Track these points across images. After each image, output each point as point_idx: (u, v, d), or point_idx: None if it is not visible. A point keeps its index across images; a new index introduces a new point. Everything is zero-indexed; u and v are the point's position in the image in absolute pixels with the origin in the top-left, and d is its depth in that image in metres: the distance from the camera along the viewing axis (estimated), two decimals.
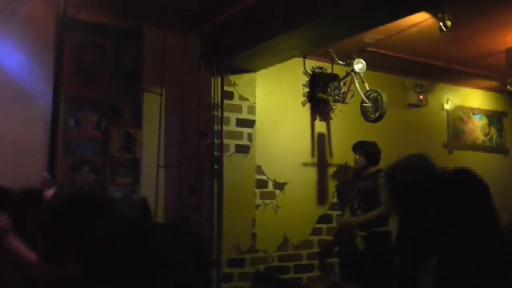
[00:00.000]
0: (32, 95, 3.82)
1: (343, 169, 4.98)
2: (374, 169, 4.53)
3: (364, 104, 4.54)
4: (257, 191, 4.47)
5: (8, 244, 2.14)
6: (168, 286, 2.69)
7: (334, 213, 4.92)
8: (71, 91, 3.93)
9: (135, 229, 2.30)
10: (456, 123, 6.08)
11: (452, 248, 1.72)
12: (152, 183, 4.18)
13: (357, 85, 4.51)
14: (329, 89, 4.76)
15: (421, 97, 5.55)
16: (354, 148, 4.64)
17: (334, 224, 4.90)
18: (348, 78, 4.63)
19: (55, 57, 3.79)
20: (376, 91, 4.47)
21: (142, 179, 4.20)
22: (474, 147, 6.18)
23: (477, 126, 6.29)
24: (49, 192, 2.26)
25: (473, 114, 6.27)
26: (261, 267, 4.36)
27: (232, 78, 4.25)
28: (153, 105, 4.26)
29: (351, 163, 4.81)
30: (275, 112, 4.67)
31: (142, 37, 4.27)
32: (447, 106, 5.98)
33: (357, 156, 4.60)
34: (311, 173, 4.87)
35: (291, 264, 4.65)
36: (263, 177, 4.56)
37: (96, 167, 4.00)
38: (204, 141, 4.25)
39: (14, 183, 2.45)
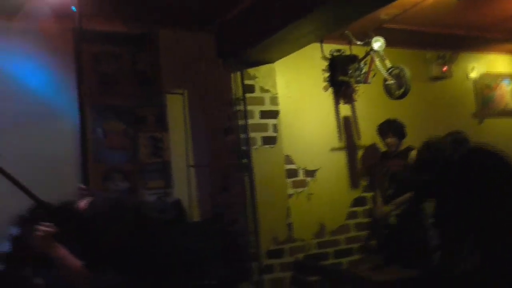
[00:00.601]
0: (59, 110, 3.89)
1: (371, 150, 4.93)
2: (404, 147, 4.47)
3: (387, 82, 4.48)
4: (288, 180, 4.47)
5: (54, 251, 2.19)
6: (211, 283, 2.72)
7: (368, 195, 4.88)
8: (95, 102, 3.99)
9: (168, 232, 2.33)
10: (484, 91, 5.93)
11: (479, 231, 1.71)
12: (184, 184, 4.23)
13: (377, 63, 4.46)
14: (350, 71, 4.72)
15: (444, 68, 5.44)
16: (383, 130, 4.56)
17: (369, 206, 4.85)
18: (368, 58, 4.58)
19: (76, 70, 3.85)
20: (398, 67, 4.41)
21: (174, 181, 4.24)
22: (506, 113, 6.02)
23: (507, 91, 6.11)
24: (83, 202, 2.30)
25: (501, 79, 6.09)
26: (300, 256, 4.36)
27: (251, 71, 4.26)
28: (176, 107, 4.30)
29: (379, 144, 4.76)
30: (298, 100, 4.65)
31: (157, 41, 4.30)
32: (473, 75, 5.84)
33: (389, 139, 4.52)
34: (341, 157, 4.84)
35: (330, 250, 4.64)
36: (293, 166, 4.55)
37: (127, 174, 4.06)
38: (230, 137, 4.27)
39: (50, 196, 2.51)
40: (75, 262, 2.16)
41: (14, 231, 3.62)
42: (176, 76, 4.27)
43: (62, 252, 2.19)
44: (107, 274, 2.09)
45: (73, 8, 3.37)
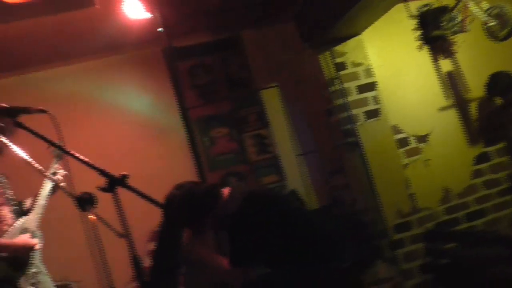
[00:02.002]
0: (166, 129, 4.14)
1: (485, 101, 4.58)
2: None
3: (488, 25, 4.13)
4: (401, 150, 4.30)
5: (196, 252, 2.30)
6: (346, 266, 2.70)
7: (491, 149, 4.54)
8: (197, 114, 4.17)
9: (306, 221, 2.34)
10: None
11: None
12: (296, 174, 4.26)
13: (472, 8, 4.13)
14: (443, 24, 4.42)
15: None
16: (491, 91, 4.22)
17: (495, 160, 4.51)
18: (461, 4, 4.25)
19: (174, 88, 4.06)
20: (497, 6, 4.05)
21: (286, 173, 4.29)
22: None
23: None
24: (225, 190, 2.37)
25: None
26: (429, 226, 4.18)
27: (339, 48, 4.17)
28: (272, 101, 4.35)
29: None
30: (394, 66, 4.46)
31: (242, 42, 4.37)
32: None
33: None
34: (452, 116, 4.55)
35: (460, 214, 4.38)
36: (402, 135, 4.37)
37: (241, 175, 4.18)
38: (332, 118, 4.22)
39: None
40: (219, 262, 2.24)
41: (151, 246, 3.91)
42: (266, 71, 4.32)
43: (203, 253, 2.29)
44: (257, 268, 2.15)
45: (160, 29, 3.54)
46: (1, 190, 2.72)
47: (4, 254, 2.53)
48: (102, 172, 1.78)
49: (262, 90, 4.35)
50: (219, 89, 4.29)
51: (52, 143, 1.87)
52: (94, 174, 1.83)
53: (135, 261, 1.79)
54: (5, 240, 2.56)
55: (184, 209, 2.27)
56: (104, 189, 1.77)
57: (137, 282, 1.82)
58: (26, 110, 1.86)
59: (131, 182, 1.83)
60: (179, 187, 2.34)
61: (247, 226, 2.17)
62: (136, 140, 4.15)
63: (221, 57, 4.32)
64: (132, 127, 4.14)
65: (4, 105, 1.86)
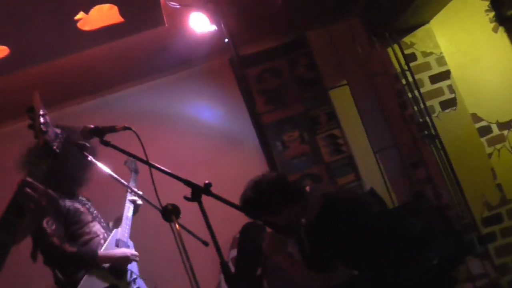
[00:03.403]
0: (239, 136, 4.21)
1: None
2: None
3: None
4: (483, 139, 4.09)
5: (276, 257, 2.30)
6: (437, 264, 2.61)
7: None
8: (268, 120, 4.19)
9: (390, 220, 2.29)
10: None
11: None
12: (373, 172, 4.16)
13: None
14: None
15: None
16: None
17: None
18: None
19: (244, 95, 4.11)
20: None
21: (362, 171, 4.21)
22: None
23: None
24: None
25: None
26: None
27: (408, 39, 4.06)
28: (342, 99, 4.29)
29: None
30: (468, 52, 4.25)
31: (308, 42, 4.35)
32: None
33: None
34: None
35: None
36: (483, 123, 4.14)
37: (317, 177, 4.15)
38: (406, 112, 4.09)
39: None
40: (302, 266, 2.24)
41: (233, 253, 3.97)
42: (335, 69, 4.28)
43: (281, 259, 2.30)
44: (336, 272, 2.12)
45: (226, 40, 3.60)
46: (89, 210, 2.89)
47: (107, 265, 2.69)
48: (187, 182, 1.83)
49: (331, 90, 4.30)
50: (288, 92, 4.29)
51: (139, 159, 1.96)
52: (175, 185, 1.89)
53: (224, 267, 1.82)
54: (106, 251, 2.74)
55: (267, 196, 2.28)
56: (189, 199, 1.82)
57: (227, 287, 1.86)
58: (112, 129, 1.96)
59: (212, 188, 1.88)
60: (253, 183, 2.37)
61: (329, 229, 2.14)
62: (210, 150, 4.24)
63: (288, 60, 4.32)
64: (206, 137, 4.24)
65: (91, 126, 1.97)
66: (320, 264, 2.19)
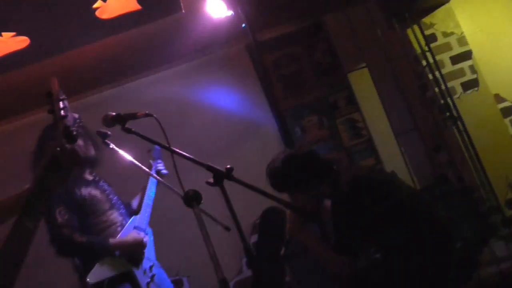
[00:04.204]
0: (258, 123, 4.20)
1: None
2: None
3: None
4: (506, 120, 4.01)
5: (301, 240, 2.28)
6: (461, 246, 2.58)
7: None
8: (287, 105, 4.17)
9: (415, 203, 2.25)
10: None
11: None
12: (393, 155, 4.12)
13: None
14: None
15: None
16: None
17: None
18: None
19: (262, 82, 4.10)
20: None
21: (382, 155, 4.17)
22: None
23: None
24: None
25: None
26: None
27: (427, 19, 3.98)
28: (361, 83, 4.25)
29: None
30: (491, 31, 4.15)
31: (326, 27, 4.31)
32: None
33: None
34: None
35: None
36: (506, 104, 4.06)
37: (337, 161, 4.11)
38: (427, 94, 4.03)
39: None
40: (327, 249, 2.22)
41: (254, 238, 4.00)
42: (353, 53, 4.23)
43: (309, 241, 2.28)
44: (361, 256, 2.11)
45: (243, 25, 3.58)
46: (108, 197, 2.89)
47: (118, 253, 2.70)
48: (209, 167, 1.83)
49: (350, 73, 4.26)
50: (307, 77, 4.26)
51: (160, 145, 1.97)
52: (197, 171, 1.89)
53: (248, 251, 1.83)
54: (118, 239, 2.73)
55: (297, 169, 2.23)
56: (211, 183, 1.82)
57: (251, 271, 1.87)
58: (133, 116, 1.96)
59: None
60: (283, 155, 2.33)
61: (357, 210, 2.12)
62: (229, 137, 4.25)
63: (306, 45, 4.28)
64: (225, 124, 4.24)
65: (113, 113, 1.98)
66: (344, 247, 2.17)
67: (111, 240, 2.70)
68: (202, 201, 1.99)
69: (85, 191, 2.76)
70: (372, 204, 2.08)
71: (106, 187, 2.93)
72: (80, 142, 2.63)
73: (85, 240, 2.64)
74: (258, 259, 3.30)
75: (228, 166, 1.83)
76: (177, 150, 1.89)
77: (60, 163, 1.40)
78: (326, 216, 2.29)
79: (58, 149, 1.39)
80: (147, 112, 1.97)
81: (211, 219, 2.35)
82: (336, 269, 2.24)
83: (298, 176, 2.23)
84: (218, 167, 1.84)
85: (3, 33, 2.73)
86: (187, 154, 1.90)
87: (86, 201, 2.74)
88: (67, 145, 1.41)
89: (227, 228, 2.42)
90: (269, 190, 2.18)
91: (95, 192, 2.81)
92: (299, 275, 3.72)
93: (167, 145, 1.93)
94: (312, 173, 2.24)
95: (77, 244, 2.62)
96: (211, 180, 1.82)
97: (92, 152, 2.81)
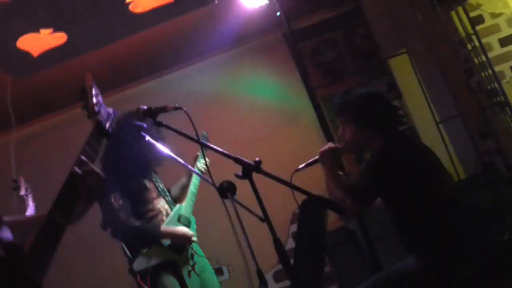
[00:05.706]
0: (296, 110, 4.15)
1: None
2: None
3: None
4: None
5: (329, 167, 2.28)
6: (503, 239, 2.46)
7: None
8: (325, 93, 4.09)
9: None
10: None
11: None
12: (435, 143, 3.95)
13: None
14: None
15: None
16: None
17: None
18: None
19: (300, 70, 4.02)
20: None
21: (425, 143, 4.02)
22: None
23: None
24: None
25: None
26: None
27: (474, 0, 3.77)
28: (402, 69, 4.10)
29: None
30: None
31: (363, 12, 4.18)
32: None
33: None
34: None
35: None
36: None
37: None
38: (473, 79, 3.85)
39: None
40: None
41: (294, 228, 3.96)
42: (392, 38, 4.08)
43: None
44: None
45: (278, 14, 3.52)
46: (154, 185, 2.95)
47: (167, 241, 2.78)
48: (237, 160, 1.83)
49: (390, 59, 4.12)
50: (345, 64, 4.16)
51: (189, 137, 1.97)
52: (233, 162, 1.88)
53: (277, 244, 1.81)
54: (169, 228, 2.81)
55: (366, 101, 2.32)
56: (240, 176, 1.82)
57: (281, 264, 1.84)
58: (163, 109, 1.98)
59: (268, 167, 1.86)
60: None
61: (395, 170, 2.14)
62: (268, 126, 4.22)
63: (343, 31, 4.18)
64: (263, 114, 4.22)
65: (145, 107, 2.00)
66: (364, 195, 2.16)
67: (162, 228, 2.79)
68: (236, 193, 2.00)
69: (136, 182, 2.86)
70: (414, 175, 2.05)
71: (154, 175, 3.00)
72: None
73: (139, 225, 2.74)
74: (296, 249, 3.28)
75: (257, 159, 1.82)
76: (205, 143, 1.95)
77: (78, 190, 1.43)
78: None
79: (81, 172, 1.42)
80: (176, 105, 1.98)
81: (246, 210, 2.34)
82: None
83: (374, 110, 2.29)
84: (246, 160, 1.83)
85: (41, 30, 2.80)
86: (215, 147, 1.92)
87: (136, 191, 2.84)
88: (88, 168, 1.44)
89: (262, 219, 2.41)
90: (299, 183, 2.15)
91: (145, 181, 2.89)
92: (338, 265, 3.66)
93: (196, 138, 1.94)
94: (385, 117, 2.31)
95: (132, 227, 2.72)
96: (240, 173, 1.82)
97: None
